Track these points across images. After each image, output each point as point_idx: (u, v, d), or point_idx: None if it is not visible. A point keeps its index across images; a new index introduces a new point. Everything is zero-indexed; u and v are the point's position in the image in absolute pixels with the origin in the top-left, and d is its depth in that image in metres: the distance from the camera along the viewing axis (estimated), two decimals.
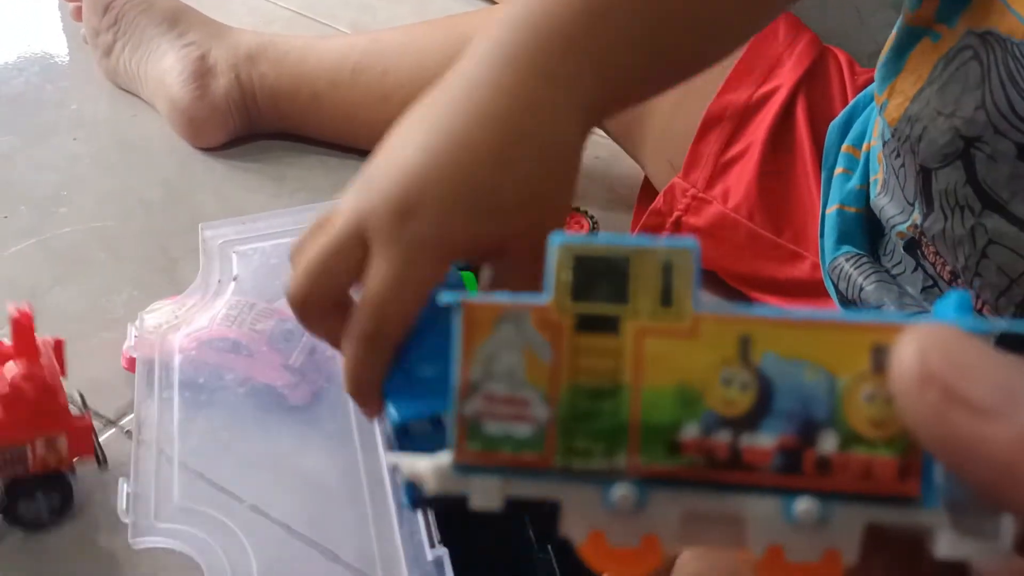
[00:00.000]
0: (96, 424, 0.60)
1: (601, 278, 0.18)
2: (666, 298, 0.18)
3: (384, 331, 0.35)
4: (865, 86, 0.66)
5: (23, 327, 0.49)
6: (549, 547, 0.48)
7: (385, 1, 1.07)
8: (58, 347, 0.53)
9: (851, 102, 0.66)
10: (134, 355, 0.58)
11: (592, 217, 0.75)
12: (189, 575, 0.49)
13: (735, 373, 0.18)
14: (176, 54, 0.82)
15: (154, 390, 0.55)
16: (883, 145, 0.57)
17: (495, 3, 1.00)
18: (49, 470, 0.52)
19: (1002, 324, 0.18)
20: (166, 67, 0.82)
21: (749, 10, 0.44)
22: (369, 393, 0.36)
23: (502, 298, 0.18)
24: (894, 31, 0.54)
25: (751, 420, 0.18)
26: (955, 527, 0.17)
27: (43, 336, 0.52)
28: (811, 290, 0.66)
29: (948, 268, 0.54)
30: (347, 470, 0.52)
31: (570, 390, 0.18)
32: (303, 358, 0.58)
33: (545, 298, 0.18)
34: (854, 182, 0.62)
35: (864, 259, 0.60)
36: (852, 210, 0.61)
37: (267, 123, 0.83)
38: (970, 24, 0.49)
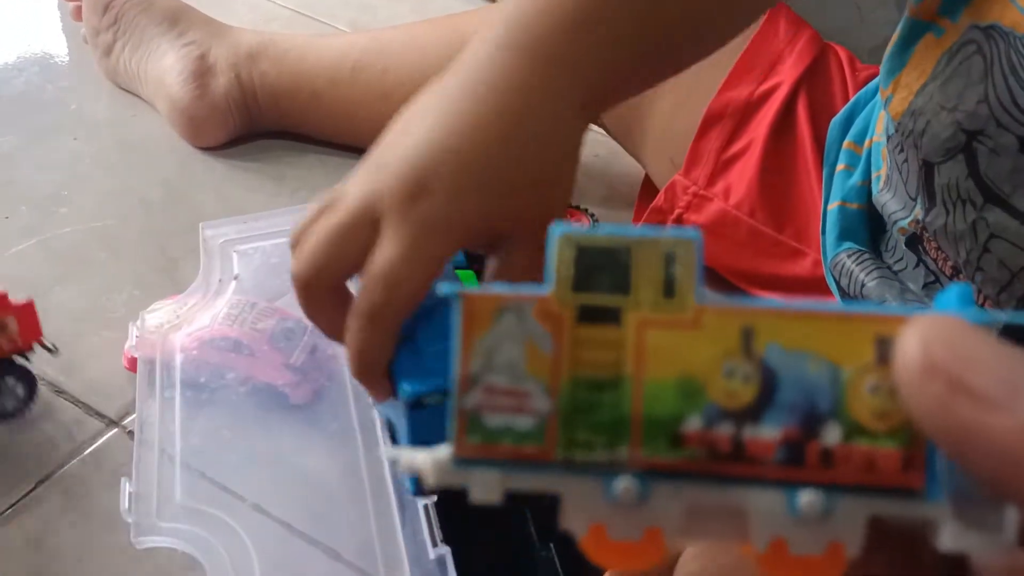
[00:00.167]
0: (98, 424, 0.60)
1: (603, 269, 0.18)
2: (668, 289, 0.18)
3: (394, 306, 0.36)
4: (866, 82, 0.66)
5: None
6: (551, 545, 0.48)
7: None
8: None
9: (852, 98, 0.66)
10: (135, 355, 0.58)
11: (593, 215, 0.75)
12: (191, 574, 0.49)
13: (738, 365, 0.18)
14: (176, 53, 0.82)
15: (155, 389, 0.55)
16: (887, 140, 0.57)
17: (494, 0, 1.00)
18: (6, 354, 0.57)
19: (1004, 316, 0.18)
20: (166, 66, 0.82)
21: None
22: (376, 372, 0.36)
23: (502, 289, 0.18)
24: (899, 25, 0.54)
25: (754, 412, 0.17)
26: (958, 519, 0.17)
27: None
28: (813, 287, 0.66)
29: (950, 263, 0.54)
30: (349, 469, 0.52)
31: (571, 382, 0.18)
32: (304, 357, 0.58)
33: (546, 289, 0.18)
34: (856, 178, 0.62)
35: (866, 255, 0.60)
36: (854, 206, 0.61)
37: (267, 122, 0.83)
38: (973, 18, 0.49)
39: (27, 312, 0.57)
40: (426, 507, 0.47)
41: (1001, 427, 0.15)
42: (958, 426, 0.16)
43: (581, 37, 0.40)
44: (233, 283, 0.61)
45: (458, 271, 0.52)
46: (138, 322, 0.60)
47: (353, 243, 0.37)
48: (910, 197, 0.56)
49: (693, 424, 0.18)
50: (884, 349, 0.17)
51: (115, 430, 0.60)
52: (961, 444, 0.16)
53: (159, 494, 0.50)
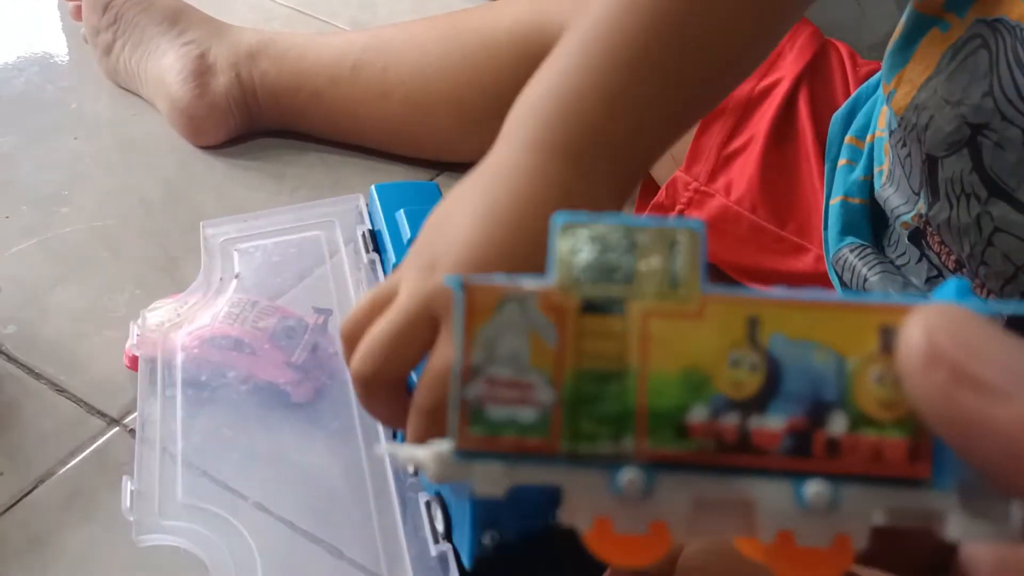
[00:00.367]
0: (99, 423, 0.60)
1: (606, 259, 0.18)
2: (672, 279, 0.18)
3: None
4: (867, 77, 0.66)
5: None
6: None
7: None
8: None
9: (853, 93, 0.65)
10: (137, 353, 0.58)
11: None
12: (194, 572, 0.49)
13: (743, 355, 0.17)
14: (176, 53, 0.82)
15: (157, 388, 0.55)
16: (889, 135, 0.57)
17: None
18: None
19: (1008, 307, 0.17)
20: (166, 66, 0.82)
21: (758, 48, 0.48)
22: None
23: (505, 280, 0.18)
24: (902, 20, 0.54)
25: (759, 402, 0.17)
26: (965, 510, 0.17)
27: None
28: (815, 283, 0.66)
29: (953, 258, 0.54)
30: (350, 467, 0.52)
31: (575, 373, 0.18)
32: (305, 355, 0.58)
33: (549, 280, 0.18)
34: (858, 173, 0.62)
35: (868, 250, 0.60)
36: (856, 201, 0.61)
37: (268, 121, 0.83)
38: (980, 13, 0.49)
39: None
40: (428, 504, 0.47)
41: (1005, 418, 0.15)
42: (961, 416, 0.16)
43: (617, 136, 0.42)
44: (234, 282, 0.61)
45: None
46: (139, 321, 0.60)
47: (413, 345, 0.38)
48: (913, 192, 0.56)
49: (698, 415, 0.17)
50: (889, 338, 0.17)
51: (116, 429, 0.60)
52: (964, 435, 0.16)
53: (161, 492, 0.50)
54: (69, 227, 0.74)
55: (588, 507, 0.18)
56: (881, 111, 0.60)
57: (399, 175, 0.81)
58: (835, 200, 0.62)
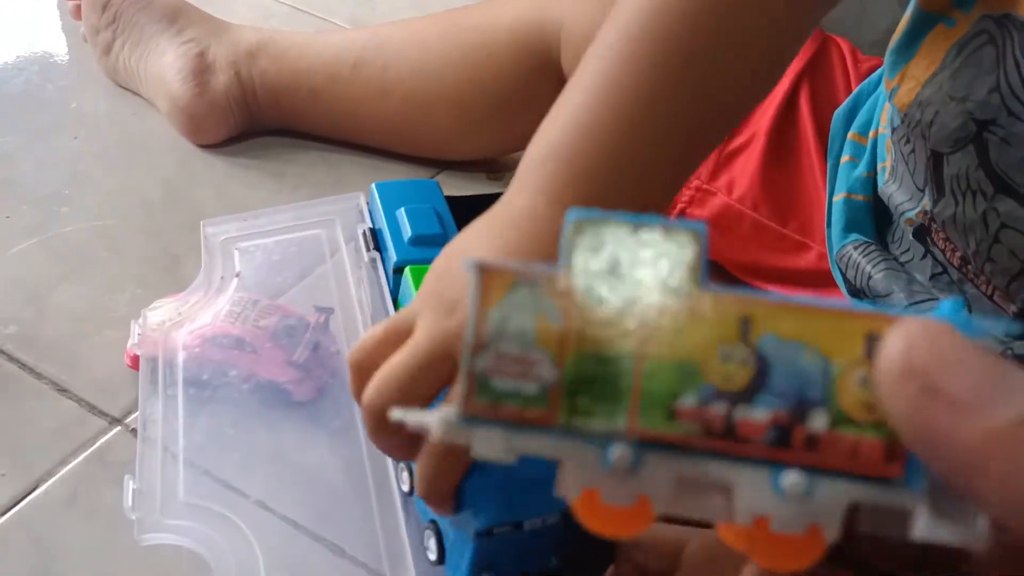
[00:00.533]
0: (101, 422, 0.60)
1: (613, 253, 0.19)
2: (673, 276, 0.19)
3: None
4: (868, 74, 0.66)
5: None
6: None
7: None
8: None
9: (855, 90, 0.65)
10: (138, 353, 0.58)
11: None
12: (196, 571, 0.49)
13: (734, 350, 0.18)
14: (175, 51, 0.82)
15: (158, 387, 0.55)
16: (892, 131, 0.57)
17: None
18: None
19: (997, 327, 0.18)
20: (166, 64, 0.82)
21: (769, 80, 0.49)
22: (446, 500, 0.38)
23: (518, 265, 0.19)
24: (906, 16, 0.54)
25: (747, 395, 0.18)
26: (933, 511, 0.18)
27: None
28: (817, 280, 0.66)
29: (958, 254, 0.54)
30: (352, 465, 0.52)
31: (577, 355, 0.19)
32: (307, 354, 0.58)
33: (559, 268, 0.19)
34: (861, 170, 0.61)
35: (872, 247, 0.60)
36: (859, 198, 0.61)
37: (267, 119, 0.83)
38: (986, 8, 0.49)
39: None
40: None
41: (969, 431, 0.16)
42: (928, 427, 0.16)
43: (634, 183, 0.43)
44: (235, 280, 0.61)
45: (411, 267, 0.52)
46: (140, 320, 0.60)
47: (429, 384, 0.38)
48: (917, 188, 0.56)
49: (688, 401, 0.18)
50: (873, 345, 0.18)
51: (118, 428, 0.60)
52: (931, 445, 0.17)
53: (163, 491, 0.50)
54: (70, 226, 0.74)
55: (580, 478, 0.19)
56: (883, 107, 0.60)
57: (400, 173, 0.81)
58: (838, 197, 0.62)
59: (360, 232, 0.59)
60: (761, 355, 0.18)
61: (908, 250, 0.58)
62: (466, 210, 0.60)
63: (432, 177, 0.81)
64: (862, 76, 0.67)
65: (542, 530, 0.39)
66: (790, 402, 0.18)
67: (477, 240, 0.43)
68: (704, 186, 0.70)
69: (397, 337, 0.39)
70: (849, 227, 0.61)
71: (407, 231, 0.56)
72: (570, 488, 0.19)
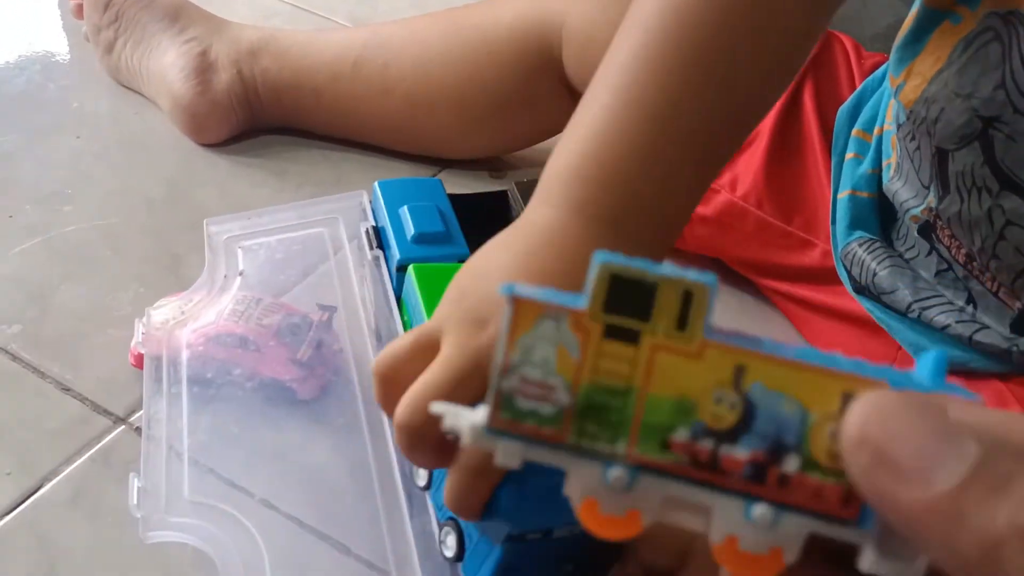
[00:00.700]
0: (105, 421, 0.60)
1: (631, 296, 0.21)
2: (682, 323, 0.21)
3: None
4: (872, 70, 0.66)
5: None
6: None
7: None
8: None
9: (859, 86, 0.65)
10: (142, 351, 0.58)
11: None
12: (201, 569, 0.49)
13: (727, 394, 0.21)
14: (177, 50, 0.82)
15: (162, 386, 0.55)
16: (897, 128, 0.57)
17: None
18: None
19: (958, 390, 0.20)
20: (167, 63, 0.82)
21: (780, 85, 0.49)
22: (475, 513, 0.38)
23: (546, 297, 0.22)
24: (912, 13, 0.54)
25: (732, 435, 0.21)
26: (879, 548, 0.20)
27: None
28: (821, 277, 0.66)
29: (963, 251, 0.54)
30: (357, 463, 0.52)
31: (590, 384, 0.21)
32: (311, 352, 0.58)
33: (582, 304, 0.22)
34: (865, 166, 0.61)
35: (877, 244, 0.60)
36: (864, 195, 0.61)
37: (269, 118, 0.83)
38: (993, 5, 0.49)
39: None
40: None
41: (909, 499, 0.18)
42: (876, 492, 0.19)
43: (659, 183, 0.43)
44: (238, 279, 0.61)
45: (415, 265, 0.52)
46: (144, 319, 0.60)
47: (462, 400, 0.39)
48: (922, 185, 0.55)
49: (681, 435, 0.21)
50: (847, 403, 0.20)
51: (122, 427, 0.60)
52: (879, 505, 0.19)
53: (167, 490, 0.50)
54: (72, 226, 0.74)
55: (583, 488, 0.22)
56: (888, 104, 0.60)
57: (402, 171, 0.81)
58: (843, 194, 0.62)
59: (363, 230, 0.59)
60: (749, 401, 0.21)
61: (913, 247, 0.58)
62: (469, 208, 0.60)
63: (434, 175, 0.81)
64: (866, 72, 0.67)
65: (569, 539, 0.39)
66: (768, 444, 0.21)
67: (509, 257, 0.42)
68: None
69: (423, 352, 0.39)
70: (854, 224, 0.61)
71: (410, 229, 0.56)
72: (575, 494, 0.22)
